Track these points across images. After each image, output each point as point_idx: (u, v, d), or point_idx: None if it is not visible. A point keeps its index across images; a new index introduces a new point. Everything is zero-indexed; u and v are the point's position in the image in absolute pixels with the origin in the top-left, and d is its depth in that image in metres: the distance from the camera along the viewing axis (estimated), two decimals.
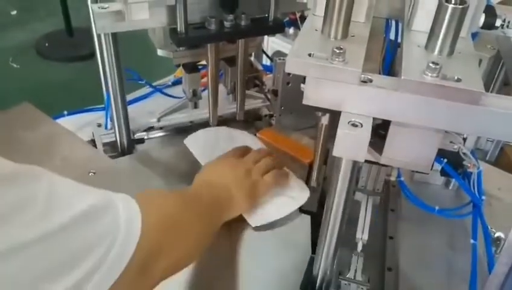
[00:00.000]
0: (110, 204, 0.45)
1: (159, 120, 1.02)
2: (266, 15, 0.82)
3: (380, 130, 0.52)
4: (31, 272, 0.37)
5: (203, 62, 0.92)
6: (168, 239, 0.53)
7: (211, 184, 0.72)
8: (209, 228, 0.66)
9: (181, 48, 0.84)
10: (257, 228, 0.76)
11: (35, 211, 0.38)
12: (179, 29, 0.76)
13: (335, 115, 0.49)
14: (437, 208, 0.75)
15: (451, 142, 0.56)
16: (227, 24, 0.78)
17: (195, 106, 0.95)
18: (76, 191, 0.44)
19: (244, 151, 0.84)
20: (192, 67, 0.89)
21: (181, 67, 0.91)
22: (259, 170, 0.78)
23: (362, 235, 0.75)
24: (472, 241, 0.73)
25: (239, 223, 0.76)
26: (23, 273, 0.37)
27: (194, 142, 0.91)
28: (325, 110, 0.55)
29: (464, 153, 0.64)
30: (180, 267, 0.58)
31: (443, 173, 0.81)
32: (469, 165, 0.72)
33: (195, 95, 0.92)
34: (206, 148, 0.88)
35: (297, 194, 0.81)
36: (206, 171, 0.77)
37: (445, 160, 0.70)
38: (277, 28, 0.84)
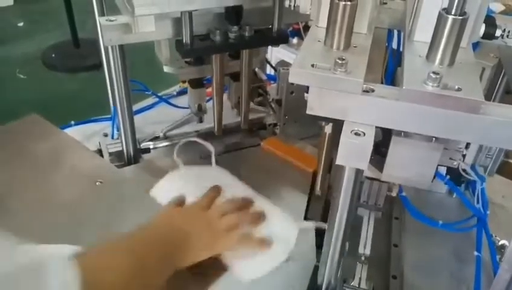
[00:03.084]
0: (41, 268, 0.42)
1: (164, 135, 1.04)
2: (270, 26, 0.83)
3: (381, 148, 0.53)
4: None
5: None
6: None
7: (171, 227, 0.64)
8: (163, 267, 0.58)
9: (186, 64, 0.85)
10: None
11: None
12: (184, 41, 0.77)
13: (338, 124, 0.50)
14: (441, 222, 0.74)
15: (450, 158, 0.57)
16: (231, 35, 0.79)
17: (201, 121, 0.96)
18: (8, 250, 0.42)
19: (214, 197, 0.70)
20: (197, 83, 0.90)
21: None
22: (224, 225, 0.67)
23: (364, 250, 0.76)
24: (476, 253, 0.73)
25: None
26: None
27: (161, 193, 0.70)
28: (328, 120, 0.56)
29: (464, 170, 0.64)
30: None
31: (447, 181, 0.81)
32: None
33: (200, 110, 0.93)
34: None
35: (286, 234, 0.62)
36: (170, 215, 0.67)
37: (448, 176, 0.70)
38: (281, 39, 0.85)
